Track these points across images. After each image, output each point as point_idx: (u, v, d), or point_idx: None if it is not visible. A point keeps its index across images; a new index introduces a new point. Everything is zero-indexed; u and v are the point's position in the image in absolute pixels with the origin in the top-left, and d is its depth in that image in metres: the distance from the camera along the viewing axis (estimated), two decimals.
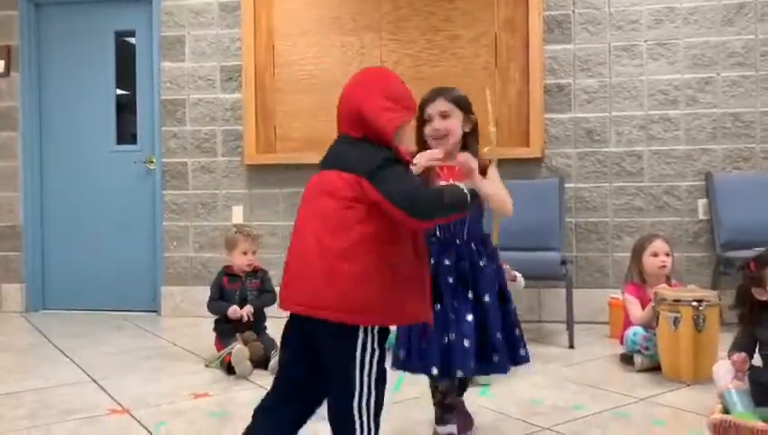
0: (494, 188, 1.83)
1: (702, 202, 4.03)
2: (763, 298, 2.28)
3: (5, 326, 4.37)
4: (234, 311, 3.25)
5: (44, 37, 4.85)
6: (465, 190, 1.59)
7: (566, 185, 4.12)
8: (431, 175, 1.98)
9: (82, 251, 4.77)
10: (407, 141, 1.70)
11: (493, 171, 1.98)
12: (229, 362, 3.05)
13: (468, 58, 4.26)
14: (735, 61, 4.02)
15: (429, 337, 1.92)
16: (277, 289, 2.90)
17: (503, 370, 2.01)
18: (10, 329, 4.30)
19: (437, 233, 2.07)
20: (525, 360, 2.08)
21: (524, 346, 2.09)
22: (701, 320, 2.79)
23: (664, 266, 3.21)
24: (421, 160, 1.81)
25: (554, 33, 4.18)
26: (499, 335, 2.00)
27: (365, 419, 1.50)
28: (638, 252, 3.28)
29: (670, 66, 4.07)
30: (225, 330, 3.27)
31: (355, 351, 1.50)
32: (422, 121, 2.06)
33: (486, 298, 2.01)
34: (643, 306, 3.13)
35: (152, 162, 4.67)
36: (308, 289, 1.52)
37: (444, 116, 2.04)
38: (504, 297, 2.08)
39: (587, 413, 2.40)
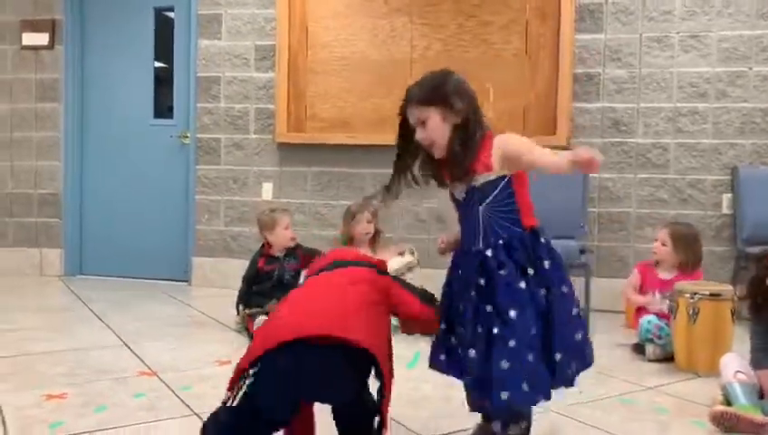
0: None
1: (726, 196, 4.04)
2: None
3: (45, 289, 4.59)
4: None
5: (87, 11, 5.01)
6: None
7: (590, 175, 4.15)
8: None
9: (118, 220, 4.97)
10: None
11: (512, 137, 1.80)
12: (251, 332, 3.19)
13: (498, 44, 4.29)
14: None
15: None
16: None
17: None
18: (49, 292, 4.52)
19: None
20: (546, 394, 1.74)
21: (567, 372, 1.78)
22: (693, 311, 2.86)
23: (655, 253, 3.34)
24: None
25: (586, 21, 4.19)
26: (530, 358, 1.69)
27: None
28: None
29: (702, 59, 4.06)
30: (254, 295, 3.40)
31: None
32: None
33: (512, 314, 1.70)
34: (646, 285, 3.30)
35: (187, 137, 4.82)
36: None
37: (422, 123, 1.79)
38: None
39: (592, 398, 2.49)
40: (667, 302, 3.15)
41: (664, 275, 3.28)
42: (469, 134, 1.78)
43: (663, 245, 3.29)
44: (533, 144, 1.75)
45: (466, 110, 1.78)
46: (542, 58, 4.24)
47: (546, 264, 1.77)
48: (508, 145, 1.77)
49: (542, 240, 1.80)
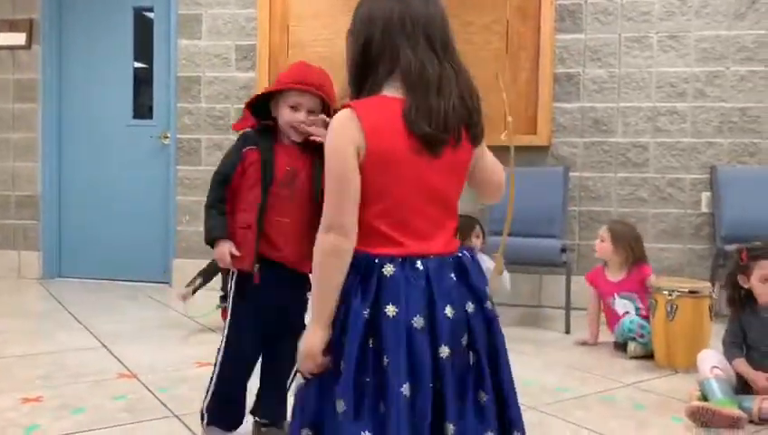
0: None
1: (705, 195, 4.08)
2: (745, 286, 2.38)
3: (23, 292, 4.53)
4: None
5: (65, 11, 4.95)
6: (213, 233, 1.90)
7: (571, 174, 4.18)
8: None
9: (98, 222, 4.91)
10: (282, 117, 1.91)
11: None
12: None
13: (480, 44, 4.30)
14: (745, 55, 4.03)
15: None
16: None
17: None
18: (28, 295, 4.46)
19: None
20: None
21: None
22: (672, 308, 2.89)
23: (595, 250, 3.40)
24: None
25: (566, 22, 4.21)
26: None
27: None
28: None
29: (680, 59, 4.10)
30: None
31: None
32: None
33: None
34: (602, 293, 3.33)
35: (167, 137, 4.78)
36: None
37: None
38: None
39: (573, 396, 2.50)
40: (632, 302, 3.20)
41: (613, 277, 3.32)
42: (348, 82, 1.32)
43: (602, 241, 3.34)
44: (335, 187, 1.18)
45: (353, 44, 1.30)
46: (522, 58, 4.26)
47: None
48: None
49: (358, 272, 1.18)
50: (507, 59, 4.26)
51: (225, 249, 1.86)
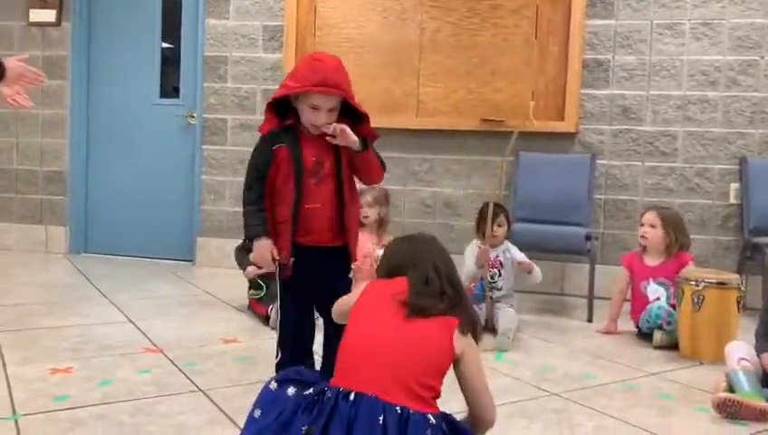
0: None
1: (734, 186, 4.01)
2: None
3: (50, 266, 4.60)
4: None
5: None
6: (253, 231, 2.05)
7: (598, 161, 4.14)
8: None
9: (124, 199, 4.97)
10: (302, 114, 2.02)
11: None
12: (265, 314, 3.19)
13: (508, 28, 4.26)
14: None
15: None
16: None
17: None
18: (55, 269, 4.53)
19: None
20: None
21: None
22: (698, 299, 2.86)
23: (643, 238, 3.30)
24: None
25: (597, 7, 4.15)
26: None
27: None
28: (639, 221, 3.40)
29: (713, 47, 4.02)
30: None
31: None
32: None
33: None
34: (636, 276, 3.28)
35: (193, 117, 4.80)
36: None
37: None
38: None
39: (596, 383, 2.49)
40: (665, 289, 3.16)
41: (651, 262, 3.28)
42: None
43: (652, 227, 3.27)
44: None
45: None
46: (551, 43, 4.20)
47: None
48: None
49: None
50: (536, 44, 4.21)
51: (266, 249, 2.05)
